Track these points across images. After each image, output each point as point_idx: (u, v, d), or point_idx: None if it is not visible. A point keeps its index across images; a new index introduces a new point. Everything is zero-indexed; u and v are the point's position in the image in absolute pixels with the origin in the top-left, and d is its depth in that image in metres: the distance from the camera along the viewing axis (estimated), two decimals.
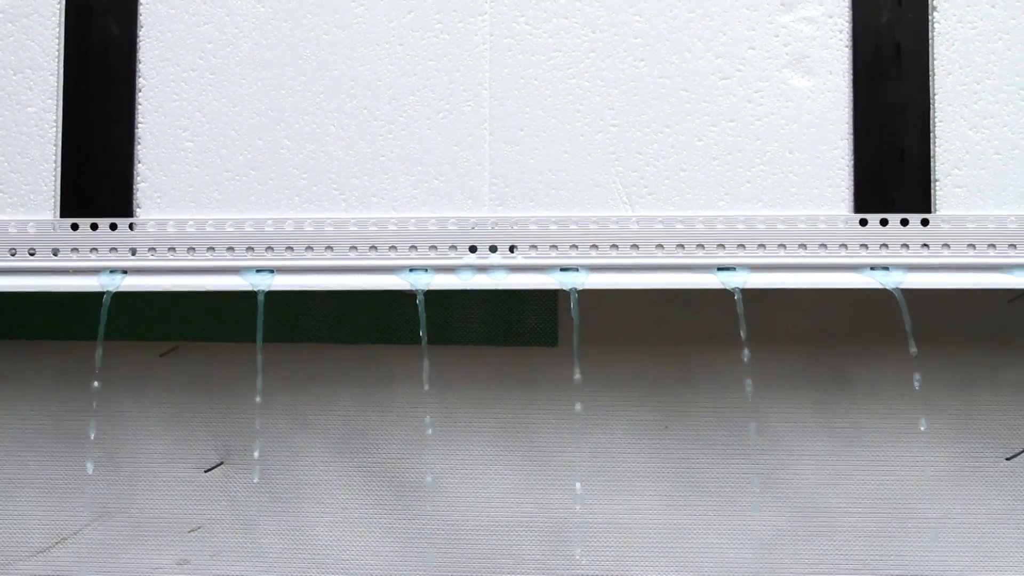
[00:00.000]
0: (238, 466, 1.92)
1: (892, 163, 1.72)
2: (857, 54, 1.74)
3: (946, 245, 1.71)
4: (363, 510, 1.91)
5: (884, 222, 1.71)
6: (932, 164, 1.72)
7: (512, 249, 1.74)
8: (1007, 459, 1.85)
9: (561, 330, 1.88)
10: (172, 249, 1.76)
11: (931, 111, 1.72)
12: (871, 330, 1.85)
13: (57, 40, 1.79)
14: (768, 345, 1.85)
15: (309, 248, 1.75)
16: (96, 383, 1.86)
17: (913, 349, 1.77)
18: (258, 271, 1.75)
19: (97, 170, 1.78)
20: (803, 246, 1.72)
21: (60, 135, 1.78)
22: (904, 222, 1.71)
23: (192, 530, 1.92)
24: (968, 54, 1.73)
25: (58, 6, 1.79)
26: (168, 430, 1.92)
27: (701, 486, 1.88)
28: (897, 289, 1.70)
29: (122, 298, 1.76)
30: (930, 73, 1.72)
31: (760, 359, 1.85)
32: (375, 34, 1.78)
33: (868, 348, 1.86)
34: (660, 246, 1.73)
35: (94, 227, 1.76)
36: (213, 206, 1.78)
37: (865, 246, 1.71)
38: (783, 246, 1.72)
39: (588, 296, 1.77)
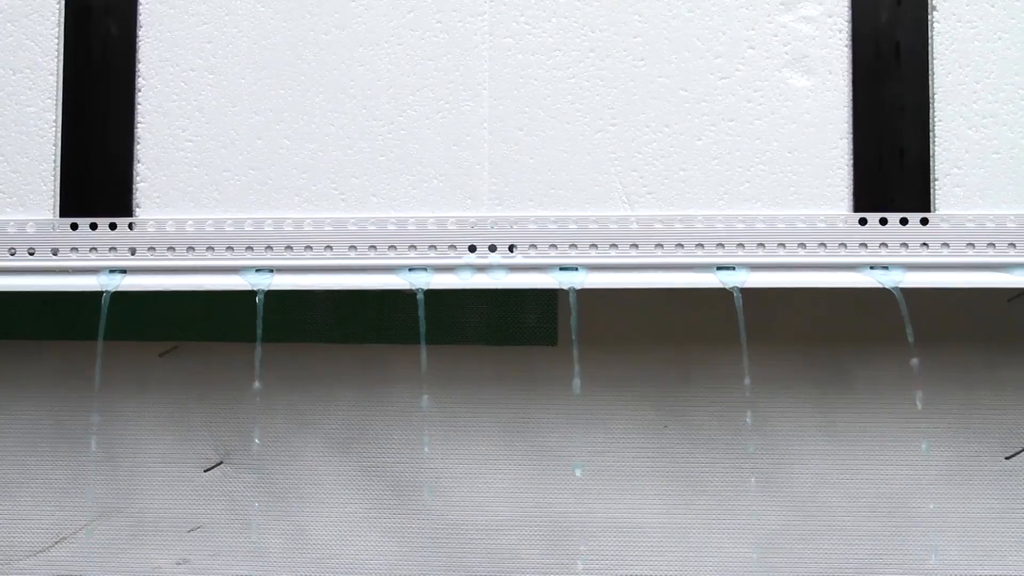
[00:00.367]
0: (238, 465, 1.92)
1: (891, 162, 1.72)
2: (856, 53, 1.74)
3: (945, 244, 1.71)
4: (363, 509, 1.91)
5: (883, 221, 1.71)
6: (931, 163, 1.72)
7: (511, 248, 1.74)
8: (1006, 458, 1.85)
9: (560, 329, 1.88)
10: (171, 249, 1.76)
11: (930, 110, 1.72)
12: (870, 329, 1.85)
13: (57, 40, 1.79)
14: (767, 344, 1.86)
15: (308, 247, 1.75)
16: (95, 383, 1.86)
17: (914, 359, 1.77)
18: (257, 271, 1.76)
19: (96, 170, 1.78)
20: (802, 245, 1.72)
21: (59, 135, 1.78)
22: (903, 221, 1.71)
23: (192, 529, 1.92)
24: (967, 53, 1.73)
25: (58, 6, 1.79)
26: (168, 430, 1.92)
27: (700, 485, 1.88)
28: (896, 288, 1.70)
29: (121, 298, 1.76)
30: (929, 72, 1.72)
31: (759, 358, 1.85)
32: (374, 34, 1.78)
33: (867, 347, 1.86)
34: (659, 245, 1.73)
35: (93, 227, 1.77)
36: (212, 206, 1.78)
37: (864, 245, 1.71)
38: (782, 245, 1.72)
39: (587, 295, 1.77)
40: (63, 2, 1.79)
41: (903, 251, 1.71)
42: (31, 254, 1.77)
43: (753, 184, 1.74)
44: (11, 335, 1.93)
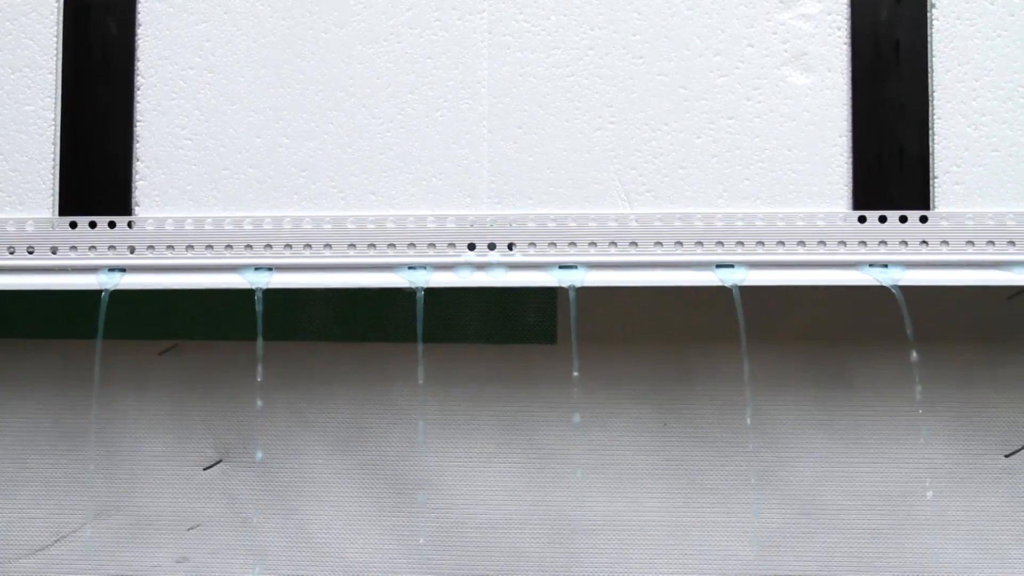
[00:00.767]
0: (237, 464, 1.92)
1: (891, 160, 1.72)
2: (856, 51, 1.73)
3: (945, 242, 1.71)
4: (362, 508, 1.91)
5: (883, 219, 1.71)
6: (931, 161, 1.72)
7: (511, 247, 1.74)
8: (1006, 456, 1.85)
9: (560, 328, 1.88)
10: (171, 247, 1.76)
11: (930, 108, 1.72)
12: (870, 327, 1.85)
13: (56, 39, 1.79)
14: (767, 342, 1.85)
15: (307, 246, 1.75)
16: (95, 381, 1.86)
17: (914, 354, 1.77)
18: (256, 269, 1.75)
19: (96, 168, 1.78)
20: (802, 243, 1.72)
21: (59, 133, 1.78)
22: (903, 219, 1.71)
23: (191, 528, 1.92)
24: (967, 51, 1.73)
25: (56, 5, 1.79)
26: (167, 428, 1.92)
27: (700, 483, 1.88)
28: (896, 286, 1.70)
29: (121, 296, 1.76)
30: (929, 70, 1.72)
31: (759, 356, 1.85)
32: (373, 32, 1.78)
33: (867, 345, 1.86)
34: (659, 243, 1.73)
35: (93, 225, 1.76)
36: (212, 204, 1.78)
37: (864, 243, 1.71)
38: (782, 243, 1.72)
39: (587, 293, 1.77)
40: (62, 1, 1.79)
41: (902, 249, 1.71)
42: (30, 253, 1.77)
43: (752, 182, 1.74)
44: (10, 334, 1.93)
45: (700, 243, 1.72)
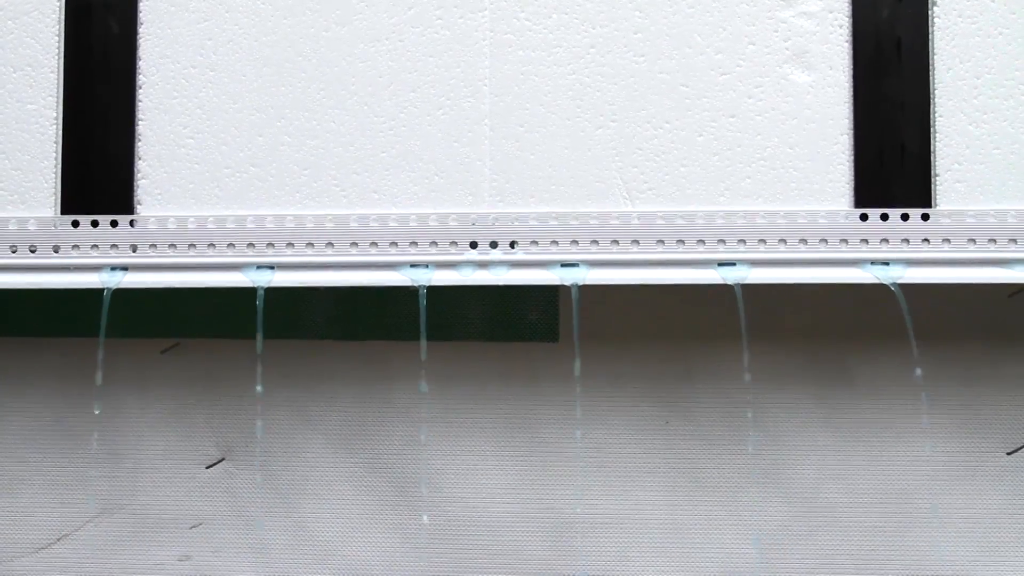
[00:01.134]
0: (239, 462, 1.92)
1: (892, 158, 1.72)
2: (857, 49, 1.74)
3: (946, 240, 1.71)
4: (364, 506, 1.91)
5: (884, 217, 1.71)
6: (932, 159, 1.72)
7: (513, 245, 1.74)
8: (1008, 454, 1.85)
9: (562, 326, 1.88)
10: (173, 246, 1.76)
11: (931, 106, 1.72)
12: (872, 325, 1.85)
13: (57, 37, 1.79)
14: (769, 340, 1.86)
15: (310, 244, 1.75)
16: (98, 380, 1.87)
17: (917, 369, 1.77)
18: (259, 267, 1.76)
19: (98, 167, 1.78)
20: (804, 241, 1.72)
21: (61, 132, 1.78)
22: (904, 217, 1.71)
23: (193, 526, 1.92)
24: (968, 49, 1.73)
25: (58, 3, 1.79)
26: (169, 426, 1.92)
27: (702, 482, 1.88)
28: (896, 284, 1.70)
29: (123, 295, 1.76)
30: (930, 68, 1.73)
31: (761, 354, 1.85)
32: (375, 30, 1.78)
33: (869, 343, 1.86)
34: (661, 241, 1.73)
35: (95, 224, 1.77)
36: (214, 202, 1.78)
37: (866, 241, 1.71)
38: (784, 241, 1.72)
39: (589, 292, 1.77)
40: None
41: (904, 247, 1.71)
42: (32, 251, 1.77)
43: (754, 180, 1.74)
44: (13, 332, 1.93)
45: (702, 241, 1.73)
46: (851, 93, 1.74)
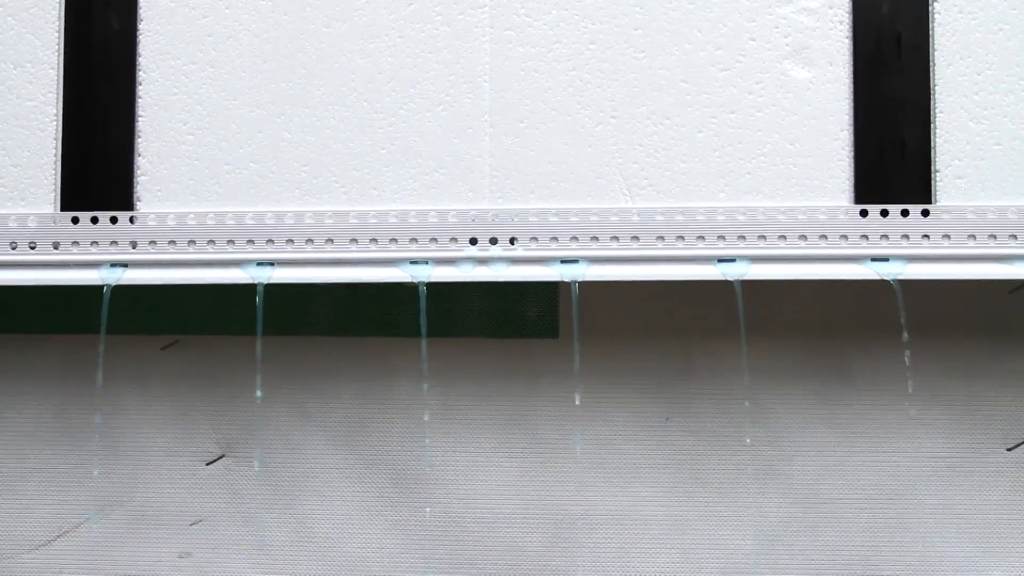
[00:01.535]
0: (239, 459, 1.92)
1: (892, 154, 1.72)
2: (857, 45, 1.73)
3: (947, 236, 1.71)
4: (365, 502, 1.91)
5: (884, 213, 1.71)
6: (932, 155, 1.72)
7: (513, 241, 1.74)
8: (1008, 449, 1.85)
9: (562, 322, 1.88)
10: (173, 242, 1.76)
11: (931, 102, 1.72)
12: (872, 321, 1.85)
13: (57, 34, 1.79)
14: (769, 336, 1.86)
15: (310, 241, 1.75)
16: (98, 380, 1.87)
17: (907, 351, 1.77)
18: (259, 264, 1.76)
19: (98, 163, 1.78)
20: (803, 237, 1.72)
21: (60, 129, 1.78)
22: (905, 213, 1.71)
23: (193, 523, 1.92)
24: (969, 44, 1.73)
25: (58, 0, 1.79)
26: (169, 423, 1.92)
27: (702, 478, 1.88)
28: (895, 280, 1.70)
29: (123, 291, 1.76)
30: (930, 64, 1.72)
31: (761, 350, 1.85)
32: (375, 26, 1.78)
33: (869, 339, 1.86)
34: (661, 238, 1.73)
35: (95, 220, 1.77)
36: (214, 199, 1.78)
37: (866, 237, 1.71)
38: (784, 237, 1.72)
39: (589, 288, 1.77)
40: None
41: (904, 243, 1.71)
42: (32, 248, 1.77)
43: (754, 176, 1.74)
44: (12, 329, 1.93)
45: (702, 237, 1.73)
46: (851, 89, 1.73)
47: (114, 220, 1.76)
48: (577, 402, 1.87)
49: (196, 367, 1.92)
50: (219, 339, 1.91)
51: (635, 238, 1.73)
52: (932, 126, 1.72)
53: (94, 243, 1.76)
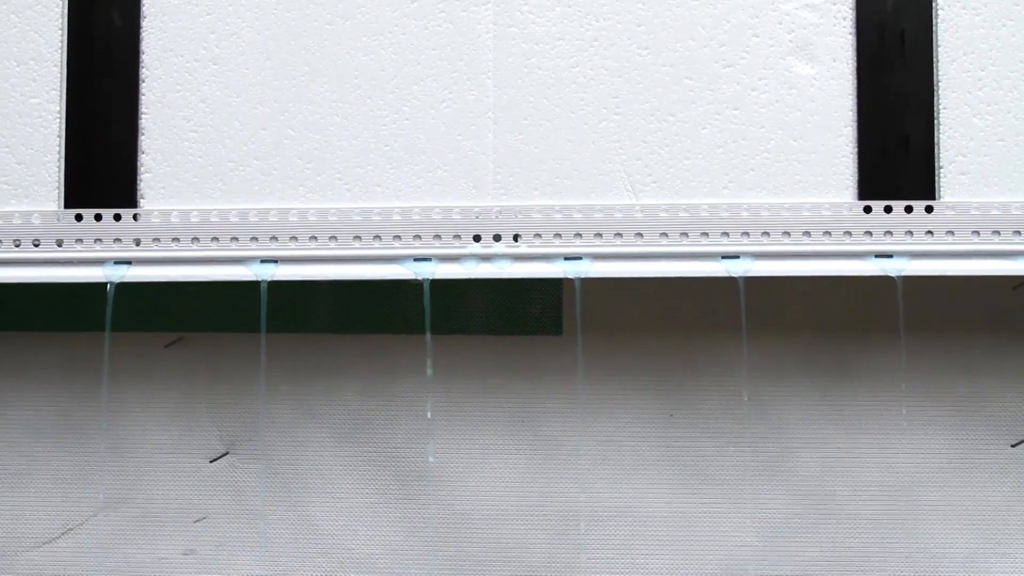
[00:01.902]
0: (243, 456, 1.92)
1: (896, 150, 1.72)
2: (861, 41, 1.73)
3: (950, 232, 1.70)
4: (368, 499, 1.91)
5: (888, 209, 1.71)
6: (936, 151, 1.72)
7: (516, 238, 1.74)
8: (1012, 446, 1.85)
9: (566, 319, 1.88)
10: (176, 239, 1.76)
11: (935, 98, 1.72)
12: (876, 317, 1.84)
13: (60, 31, 1.79)
14: (773, 333, 1.85)
15: (313, 238, 1.75)
16: (104, 374, 1.87)
17: (905, 341, 1.77)
18: (262, 261, 1.76)
19: (101, 161, 1.78)
20: (807, 233, 1.72)
21: (64, 126, 1.78)
22: (908, 209, 1.71)
23: (198, 520, 1.92)
24: (972, 41, 1.72)
25: None
26: (173, 420, 1.92)
27: (706, 474, 1.88)
28: (899, 276, 1.70)
29: (126, 289, 1.77)
30: (934, 60, 1.72)
31: (765, 347, 1.85)
32: (378, 24, 1.78)
33: (873, 335, 1.85)
34: (664, 234, 1.73)
35: (98, 218, 1.77)
36: (217, 196, 1.78)
37: (869, 233, 1.71)
38: (787, 233, 1.72)
39: (592, 284, 1.77)
40: None
41: (908, 239, 1.71)
42: (36, 245, 1.77)
43: (758, 172, 1.74)
44: (16, 327, 1.93)
45: (706, 234, 1.72)
46: (855, 85, 1.73)
47: (117, 217, 1.76)
48: (582, 405, 1.87)
49: (200, 364, 1.92)
50: (223, 336, 1.91)
51: (639, 235, 1.73)
52: (936, 122, 1.72)
53: (98, 240, 1.76)
